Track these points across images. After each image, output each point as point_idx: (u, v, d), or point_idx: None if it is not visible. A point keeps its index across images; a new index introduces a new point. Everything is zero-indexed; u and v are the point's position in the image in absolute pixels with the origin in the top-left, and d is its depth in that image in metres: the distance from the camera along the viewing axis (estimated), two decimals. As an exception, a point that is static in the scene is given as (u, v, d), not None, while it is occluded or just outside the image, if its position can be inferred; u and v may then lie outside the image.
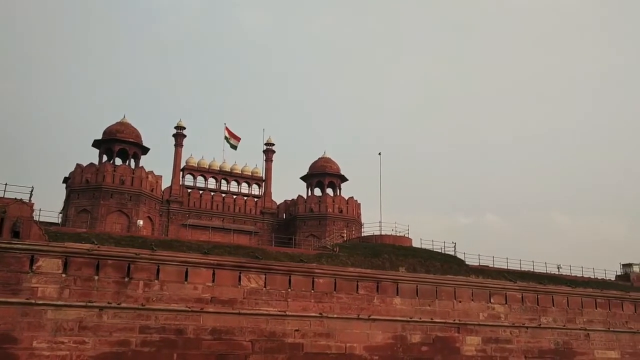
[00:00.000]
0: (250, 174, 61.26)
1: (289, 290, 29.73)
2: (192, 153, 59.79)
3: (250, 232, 55.96)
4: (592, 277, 42.55)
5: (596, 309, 39.04)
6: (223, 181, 60.17)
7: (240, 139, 60.57)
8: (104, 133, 51.70)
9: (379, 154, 50.15)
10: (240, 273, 28.93)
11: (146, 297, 26.65)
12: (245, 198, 59.17)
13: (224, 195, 58.29)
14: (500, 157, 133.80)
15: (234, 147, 60.38)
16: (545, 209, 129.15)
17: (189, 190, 56.72)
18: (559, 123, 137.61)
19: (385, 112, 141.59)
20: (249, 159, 64.29)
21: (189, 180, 58.51)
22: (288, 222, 58.62)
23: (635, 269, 46.26)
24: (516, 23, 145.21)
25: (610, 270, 45.07)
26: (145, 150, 52.98)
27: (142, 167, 51.00)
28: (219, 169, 59.93)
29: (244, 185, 60.92)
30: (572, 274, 41.58)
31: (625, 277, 44.63)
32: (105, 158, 51.33)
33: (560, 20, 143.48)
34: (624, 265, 46.55)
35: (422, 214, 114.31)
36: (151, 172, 51.44)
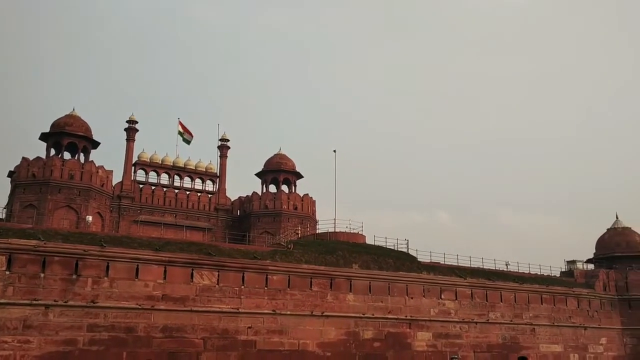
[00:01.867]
0: (204, 169, 60.52)
1: (243, 287, 29.56)
2: (145, 148, 58.68)
3: (203, 228, 55.32)
4: (539, 273, 43.88)
5: (542, 304, 40.33)
6: (176, 177, 59.22)
7: (192, 135, 59.79)
8: (52, 126, 50.10)
9: (334, 151, 50.36)
10: (192, 270, 28.59)
11: (95, 295, 26.03)
12: (198, 194, 58.43)
13: (177, 191, 57.40)
14: (449, 156, 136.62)
15: (188, 142, 59.59)
16: (493, 208, 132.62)
17: (141, 186, 55.60)
18: (505, 123, 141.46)
19: (341, 109, 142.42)
20: (203, 155, 63.74)
21: (141, 175, 57.34)
22: (242, 218, 58.24)
23: (579, 265, 48.00)
24: (471, 25, 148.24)
25: (555, 267, 46.65)
26: (95, 145, 51.62)
27: (92, 161, 49.69)
28: (172, 164, 58.96)
29: (198, 181, 60.13)
30: (520, 271, 42.78)
31: (569, 274, 46.22)
32: (53, 152, 49.75)
33: (502, 23, 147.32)
34: (568, 262, 48.20)
35: (376, 211, 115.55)
36: (101, 166, 50.18)
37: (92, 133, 51.41)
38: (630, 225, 50.19)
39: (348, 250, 35.00)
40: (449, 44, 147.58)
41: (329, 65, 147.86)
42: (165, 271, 27.90)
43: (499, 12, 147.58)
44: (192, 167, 59.84)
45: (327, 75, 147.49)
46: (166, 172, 58.73)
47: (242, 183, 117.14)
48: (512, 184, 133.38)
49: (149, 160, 57.95)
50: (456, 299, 36.41)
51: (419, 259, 37.74)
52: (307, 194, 58.93)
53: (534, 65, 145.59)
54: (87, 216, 45.43)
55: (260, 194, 58.24)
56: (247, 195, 59.17)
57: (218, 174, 60.48)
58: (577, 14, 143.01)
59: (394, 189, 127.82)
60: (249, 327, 28.98)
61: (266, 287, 30.21)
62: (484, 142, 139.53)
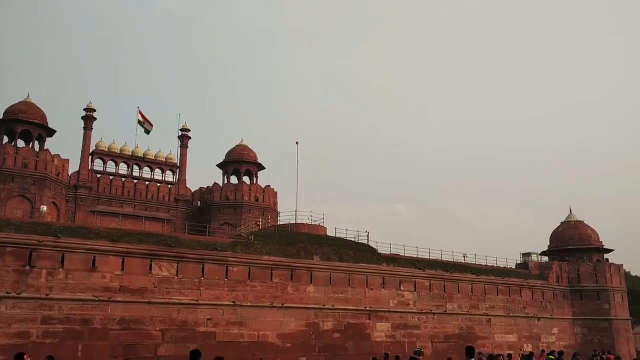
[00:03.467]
0: (165, 160, 59.64)
1: (202, 279, 29.28)
2: (103, 137, 57.47)
3: (163, 219, 54.56)
4: (495, 265, 44.83)
5: (498, 295, 41.26)
6: (135, 167, 58.21)
7: (152, 125, 58.77)
8: (5, 113, 48.55)
9: (297, 143, 50.08)
10: (151, 261, 28.15)
11: (50, 287, 25.38)
12: (158, 185, 57.57)
13: (136, 181, 56.39)
14: (408, 148, 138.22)
15: (148, 132, 58.57)
16: (451, 201, 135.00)
17: (99, 176, 54.41)
18: (462, 117, 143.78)
19: (304, 102, 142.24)
20: (163, 145, 62.83)
21: (98, 165, 56.15)
22: (203, 210, 57.68)
23: (534, 258, 49.26)
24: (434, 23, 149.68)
25: (511, 259, 47.76)
26: (51, 133, 50.27)
27: (47, 150, 48.35)
28: (131, 154, 57.88)
29: (158, 171, 59.22)
30: (477, 263, 43.62)
31: (525, 266, 47.38)
32: (6, 139, 48.26)
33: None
34: (524, 255, 49.42)
35: (337, 203, 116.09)
36: (57, 155, 48.91)
37: (48, 121, 50.06)
38: (583, 219, 51.74)
39: (309, 242, 35.05)
40: (414, 40, 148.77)
41: (293, 57, 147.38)
42: (123, 262, 27.40)
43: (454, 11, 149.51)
44: (151, 157, 58.88)
45: (291, 67, 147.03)
46: (125, 162, 57.63)
47: (203, 174, 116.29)
48: (469, 178, 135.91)
49: (107, 149, 56.75)
50: (415, 291, 36.91)
51: (379, 251, 38.07)
52: (269, 186, 58.74)
53: (488, 58, 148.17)
54: (42, 206, 44.25)
55: (221, 185, 57.75)
56: (208, 187, 58.60)
57: (178, 165, 59.70)
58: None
59: (355, 182, 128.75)
60: (209, 319, 28.77)
61: (226, 278, 30.00)
62: (441, 137, 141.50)
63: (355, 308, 33.82)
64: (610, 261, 49.25)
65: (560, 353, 25.09)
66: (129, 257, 27.60)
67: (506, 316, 41.10)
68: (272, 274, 31.56)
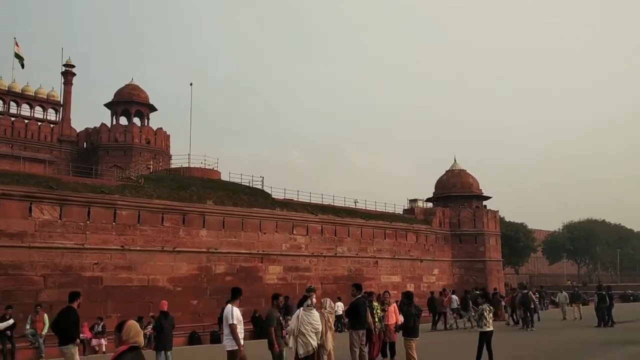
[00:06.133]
0: (46, 97, 55.72)
1: (88, 222, 28.07)
2: (-26, 69, 52.45)
3: (44, 160, 51.10)
4: (384, 210, 46.71)
5: (385, 239, 43.24)
6: (12, 103, 53.91)
7: (23, 58, 53.97)
8: None
9: (191, 84, 48.69)
10: (31, 204, 26.48)
11: None
12: (39, 123, 53.85)
13: (13, 119, 52.34)
14: (301, 94, 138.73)
15: (22, 65, 53.89)
16: (343, 147, 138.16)
17: (-30, 112, 49.92)
18: (352, 65, 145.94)
19: (197, 40, 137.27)
20: (44, 81, 58.42)
21: (-31, 100, 51.41)
22: (89, 151, 54.89)
23: (420, 204, 51.84)
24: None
25: (399, 205, 49.99)
26: None
27: None
28: (7, 89, 53.45)
29: (38, 109, 55.32)
30: (367, 208, 45.22)
31: (411, 211, 49.78)
32: None
33: None
34: (411, 201, 51.85)
35: (232, 148, 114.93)
36: None
37: None
38: (465, 167, 54.89)
39: (202, 186, 34.56)
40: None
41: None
42: (-1, 205, 25.59)
43: None
44: (31, 94, 54.76)
45: (185, 5, 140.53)
46: (0, 98, 53.16)
47: (90, 114, 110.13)
48: (360, 125, 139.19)
49: (-22, 83, 51.95)
50: (307, 234, 37.77)
51: (273, 196, 38.37)
52: (161, 128, 56.88)
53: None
54: None
55: (109, 126, 55.04)
56: (95, 127, 55.66)
57: (62, 103, 56.00)
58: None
59: (249, 127, 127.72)
60: (95, 263, 27.83)
61: (114, 222, 28.98)
62: (331, 83, 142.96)
63: (247, 251, 34.10)
64: (488, 207, 52.89)
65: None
66: (6, 199, 25.79)
67: (392, 258, 43.28)
68: (162, 217, 30.89)
